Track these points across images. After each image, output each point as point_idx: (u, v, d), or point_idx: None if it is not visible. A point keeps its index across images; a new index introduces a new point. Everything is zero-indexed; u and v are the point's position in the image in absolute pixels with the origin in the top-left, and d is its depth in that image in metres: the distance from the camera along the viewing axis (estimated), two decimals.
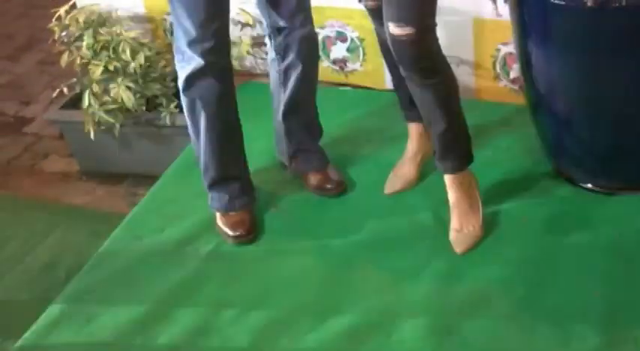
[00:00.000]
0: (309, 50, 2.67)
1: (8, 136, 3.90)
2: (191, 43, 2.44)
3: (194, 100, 2.54)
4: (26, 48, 4.64)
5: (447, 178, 2.55)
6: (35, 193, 3.46)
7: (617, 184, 2.64)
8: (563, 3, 2.28)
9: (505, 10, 2.61)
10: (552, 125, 2.67)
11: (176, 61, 2.54)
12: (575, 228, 2.54)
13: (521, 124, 2.90)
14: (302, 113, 2.79)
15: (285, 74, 2.70)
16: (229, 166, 2.68)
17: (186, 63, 2.48)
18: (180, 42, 2.47)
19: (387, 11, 2.29)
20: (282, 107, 2.76)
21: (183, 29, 2.44)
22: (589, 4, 2.21)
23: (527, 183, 2.73)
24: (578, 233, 2.52)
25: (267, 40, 2.75)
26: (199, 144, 2.62)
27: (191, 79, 2.50)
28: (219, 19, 2.47)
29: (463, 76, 3.14)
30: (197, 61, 2.46)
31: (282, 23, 2.61)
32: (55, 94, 3.45)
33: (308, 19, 2.64)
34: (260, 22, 3.25)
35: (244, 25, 3.45)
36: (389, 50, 2.39)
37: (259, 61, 3.56)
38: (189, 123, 2.62)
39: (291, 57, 2.66)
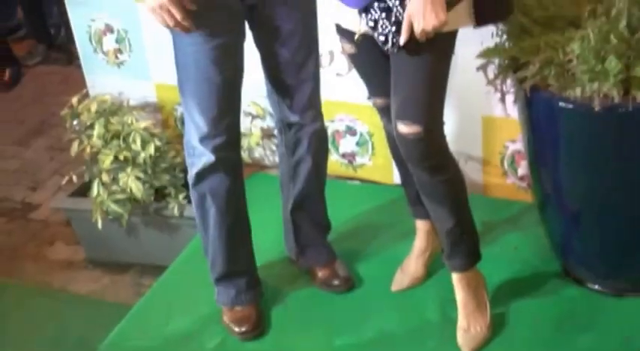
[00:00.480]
0: (319, 146, 2.71)
1: (15, 221, 3.93)
2: (202, 139, 2.47)
3: (204, 195, 2.56)
4: (36, 133, 4.70)
5: (455, 277, 2.56)
6: (40, 281, 3.47)
7: (625, 286, 2.65)
8: (571, 107, 2.33)
9: (514, 110, 2.66)
10: (560, 225, 2.69)
11: (186, 156, 2.57)
12: (583, 330, 2.54)
13: (530, 222, 2.93)
14: (310, 209, 2.82)
15: (295, 169, 2.73)
16: (237, 261, 2.69)
17: (197, 158, 2.51)
18: (191, 137, 2.50)
19: (395, 110, 2.34)
20: (290, 202, 2.79)
21: (195, 124, 2.47)
22: (596, 109, 2.26)
23: (535, 282, 2.74)
24: (586, 335, 2.52)
25: (276, 133, 2.80)
26: (207, 238, 2.64)
27: (201, 175, 2.52)
28: (232, 115, 2.52)
29: (471, 172, 3.18)
30: (208, 157, 2.48)
31: (292, 119, 2.65)
32: (64, 182, 3.48)
33: (318, 115, 2.68)
34: (271, 115, 3.31)
35: (255, 116, 3.50)
36: (397, 146, 2.43)
37: (268, 152, 3.61)
38: (197, 217, 2.63)
39: (301, 152, 2.70)
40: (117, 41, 3.65)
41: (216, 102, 2.44)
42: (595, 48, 2.27)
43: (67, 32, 4.68)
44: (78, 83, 3.88)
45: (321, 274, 2.84)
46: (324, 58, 3.16)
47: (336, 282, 2.82)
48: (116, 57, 3.69)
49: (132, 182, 3.23)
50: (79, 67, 3.87)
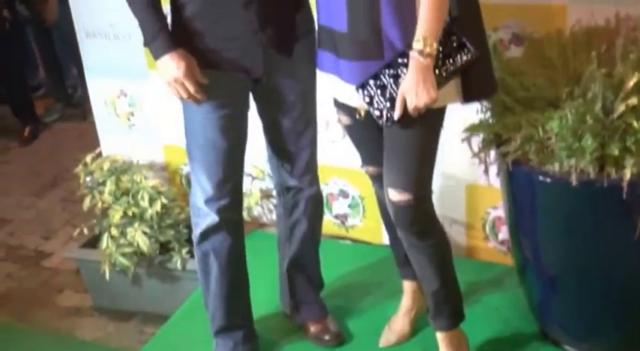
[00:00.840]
0: (315, 209, 2.70)
1: (28, 268, 3.90)
2: (208, 201, 2.46)
3: (207, 253, 2.54)
4: (51, 186, 4.70)
5: (439, 335, 2.53)
6: (49, 326, 3.42)
7: (599, 349, 2.61)
8: (549, 181, 2.32)
9: (496, 180, 2.65)
10: (538, 289, 2.66)
11: (192, 216, 2.55)
12: None
13: (510, 284, 2.89)
14: (305, 268, 2.79)
15: (291, 230, 2.71)
16: (235, 315, 2.66)
17: (202, 219, 2.49)
18: (197, 198, 2.49)
19: (387, 178, 2.33)
20: (286, 261, 2.76)
21: (201, 187, 2.46)
22: (573, 183, 2.25)
23: (514, 343, 2.69)
24: None
25: (275, 195, 2.78)
26: (209, 293, 2.61)
27: (206, 234, 2.51)
28: (235, 179, 2.51)
29: (455, 235, 3.16)
30: (212, 218, 2.47)
31: (291, 183, 2.64)
32: (75, 233, 3.46)
33: (315, 180, 2.67)
34: (270, 176, 3.30)
35: (254, 178, 3.49)
36: (387, 211, 2.42)
37: (267, 211, 3.58)
38: (200, 273, 2.60)
39: (297, 214, 2.69)
40: (129, 105, 3.66)
41: (221, 167, 2.43)
42: (572, 127, 2.27)
43: (83, 92, 4.70)
44: (91, 139, 3.88)
45: (313, 328, 2.80)
46: (320, 126, 3.14)
47: (327, 337, 2.78)
48: (128, 119, 3.69)
49: (139, 236, 3.22)
50: (93, 123, 3.86)
